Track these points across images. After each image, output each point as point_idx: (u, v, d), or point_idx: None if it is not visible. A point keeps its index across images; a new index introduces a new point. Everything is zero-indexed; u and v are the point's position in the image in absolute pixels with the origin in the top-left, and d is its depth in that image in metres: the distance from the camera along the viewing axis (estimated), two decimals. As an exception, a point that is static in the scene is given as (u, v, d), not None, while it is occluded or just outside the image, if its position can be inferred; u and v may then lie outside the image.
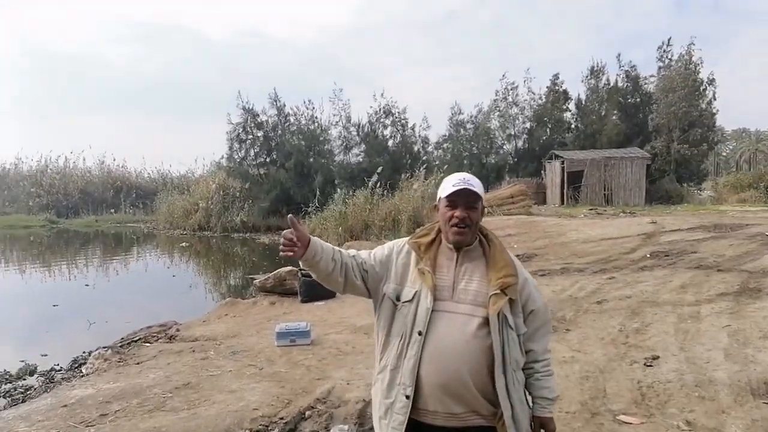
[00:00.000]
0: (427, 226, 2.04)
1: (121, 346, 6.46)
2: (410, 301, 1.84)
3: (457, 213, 1.84)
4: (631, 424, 3.54)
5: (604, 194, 24.28)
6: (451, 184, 1.87)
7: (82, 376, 5.55)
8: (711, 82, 26.69)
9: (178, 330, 7.02)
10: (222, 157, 27.90)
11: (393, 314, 1.88)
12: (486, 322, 1.76)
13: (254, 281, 8.87)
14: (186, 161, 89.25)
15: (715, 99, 26.93)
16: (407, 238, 2.02)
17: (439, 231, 1.97)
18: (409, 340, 1.81)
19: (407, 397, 1.78)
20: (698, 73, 26.61)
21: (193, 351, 5.71)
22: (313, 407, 4.14)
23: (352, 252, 1.99)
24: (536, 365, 1.92)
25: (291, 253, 1.79)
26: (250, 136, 27.64)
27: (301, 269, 8.05)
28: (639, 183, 24.62)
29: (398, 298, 1.88)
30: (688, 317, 5.55)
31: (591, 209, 20.60)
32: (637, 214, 18.00)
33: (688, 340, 4.90)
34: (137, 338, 6.92)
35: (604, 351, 4.86)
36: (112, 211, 33.60)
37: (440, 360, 1.75)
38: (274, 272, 8.18)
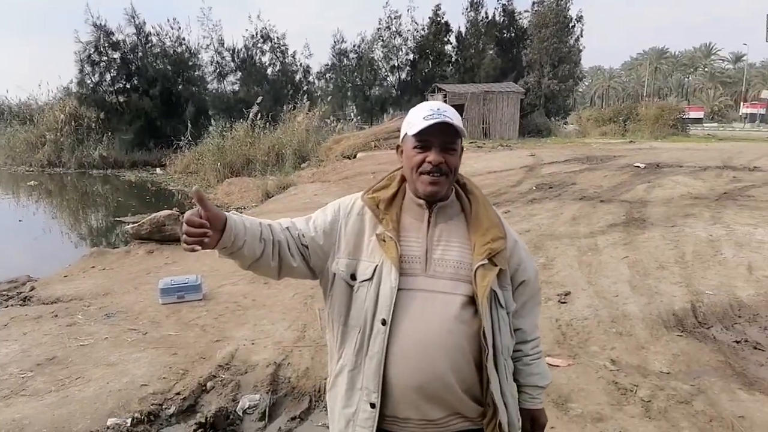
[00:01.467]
0: (386, 176, 1.52)
1: (-43, 313, 5.28)
2: (369, 279, 1.37)
3: (431, 157, 1.36)
4: (558, 366, 3.46)
5: (483, 128, 25.03)
6: (421, 116, 1.37)
7: None
8: (579, 19, 28.18)
9: (33, 288, 5.91)
10: (71, 82, 24.36)
11: (350, 298, 1.41)
12: (470, 300, 1.34)
13: (126, 227, 7.75)
14: (27, 86, 78.02)
15: (582, 36, 28.63)
16: (359, 193, 1.51)
17: (402, 181, 1.48)
18: (371, 331, 1.36)
19: (372, 405, 1.34)
20: (568, 10, 27.88)
21: (56, 315, 4.76)
22: (214, 376, 3.59)
23: (285, 222, 1.46)
24: (525, 347, 1.54)
25: (200, 246, 1.23)
26: (105, 58, 24.32)
27: (182, 212, 7.14)
28: (514, 117, 25.65)
29: (353, 277, 1.40)
30: (588, 249, 5.70)
31: (471, 142, 21.12)
32: (513, 148, 18.76)
33: (593, 274, 5.00)
34: (-21, 300, 5.74)
35: (517, 289, 4.81)
36: (-65, 144, 28.37)
37: (414, 355, 1.32)
38: (150, 216, 7.15)
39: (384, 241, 1.37)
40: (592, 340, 3.81)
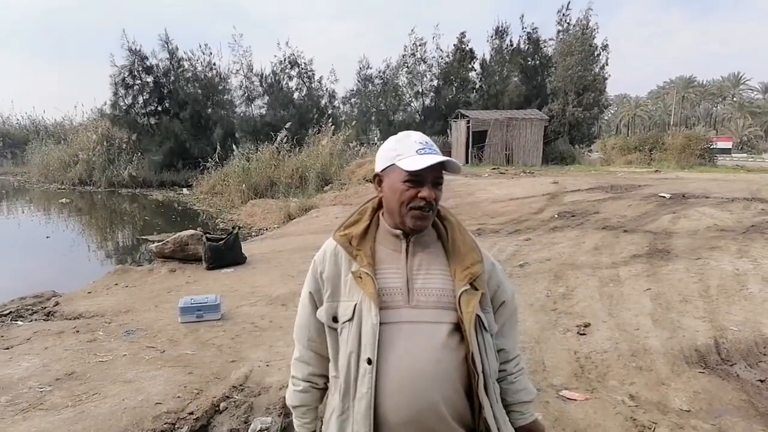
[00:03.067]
0: (356, 210, 1.51)
1: (-16, 326, 5.42)
2: (350, 319, 1.36)
3: (425, 193, 1.35)
4: (575, 400, 3.39)
5: (506, 154, 25.00)
6: (413, 149, 1.36)
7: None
8: (605, 47, 28.17)
9: (57, 303, 6.05)
10: (105, 104, 25.19)
11: (338, 342, 1.41)
12: (456, 327, 1.34)
13: (150, 245, 7.90)
14: (63, 107, 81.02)
15: (607, 64, 28.56)
16: (330, 238, 1.50)
17: (374, 212, 1.47)
18: (356, 373, 1.34)
19: None
20: (593, 39, 27.86)
21: (77, 331, 4.86)
22: (228, 397, 3.60)
23: (305, 351, 1.54)
24: (508, 366, 1.52)
25: None
26: (138, 82, 25.14)
27: (206, 232, 7.27)
28: (537, 144, 25.60)
29: (335, 319, 1.39)
30: (609, 280, 5.60)
31: (494, 168, 21.11)
32: (536, 175, 18.67)
33: (614, 305, 4.91)
34: (6, 312, 5.88)
35: (535, 319, 4.74)
36: (-26, 162, 29.60)
37: (405, 390, 1.30)
38: (174, 236, 7.28)
39: (360, 277, 1.35)
40: (611, 374, 3.72)
